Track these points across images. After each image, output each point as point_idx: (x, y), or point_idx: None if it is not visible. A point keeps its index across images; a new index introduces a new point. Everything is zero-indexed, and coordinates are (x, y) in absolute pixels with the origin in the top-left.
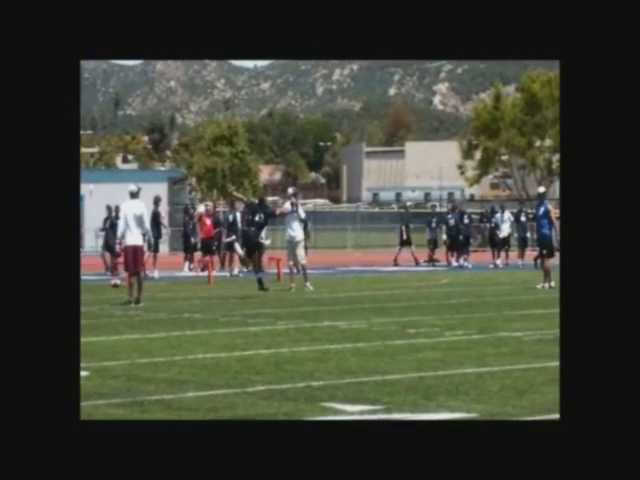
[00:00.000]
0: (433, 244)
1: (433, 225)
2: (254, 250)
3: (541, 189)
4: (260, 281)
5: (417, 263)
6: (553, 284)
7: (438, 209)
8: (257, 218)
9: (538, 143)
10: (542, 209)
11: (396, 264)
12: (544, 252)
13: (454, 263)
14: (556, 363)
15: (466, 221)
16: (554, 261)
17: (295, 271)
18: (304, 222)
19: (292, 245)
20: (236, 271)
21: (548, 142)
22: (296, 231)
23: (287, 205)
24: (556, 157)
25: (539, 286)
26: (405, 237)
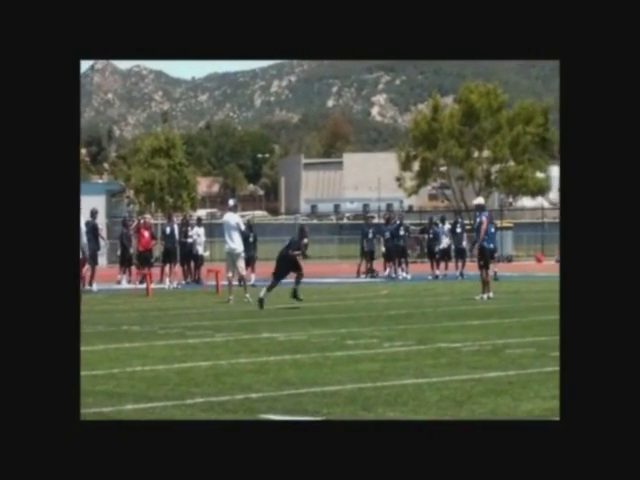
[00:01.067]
0: (370, 255)
1: (370, 236)
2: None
3: (479, 200)
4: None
5: (358, 274)
6: (492, 295)
7: (376, 220)
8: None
9: (476, 154)
10: (479, 220)
11: (359, 275)
12: (481, 263)
13: (391, 274)
14: (493, 374)
15: (402, 232)
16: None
17: (234, 283)
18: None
19: (232, 257)
20: (175, 283)
21: (486, 153)
22: (236, 243)
23: (232, 217)
24: (495, 168)
25: (477, 297)
26: (367, 249)
